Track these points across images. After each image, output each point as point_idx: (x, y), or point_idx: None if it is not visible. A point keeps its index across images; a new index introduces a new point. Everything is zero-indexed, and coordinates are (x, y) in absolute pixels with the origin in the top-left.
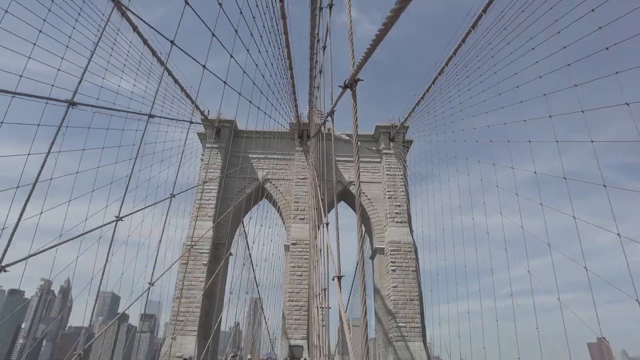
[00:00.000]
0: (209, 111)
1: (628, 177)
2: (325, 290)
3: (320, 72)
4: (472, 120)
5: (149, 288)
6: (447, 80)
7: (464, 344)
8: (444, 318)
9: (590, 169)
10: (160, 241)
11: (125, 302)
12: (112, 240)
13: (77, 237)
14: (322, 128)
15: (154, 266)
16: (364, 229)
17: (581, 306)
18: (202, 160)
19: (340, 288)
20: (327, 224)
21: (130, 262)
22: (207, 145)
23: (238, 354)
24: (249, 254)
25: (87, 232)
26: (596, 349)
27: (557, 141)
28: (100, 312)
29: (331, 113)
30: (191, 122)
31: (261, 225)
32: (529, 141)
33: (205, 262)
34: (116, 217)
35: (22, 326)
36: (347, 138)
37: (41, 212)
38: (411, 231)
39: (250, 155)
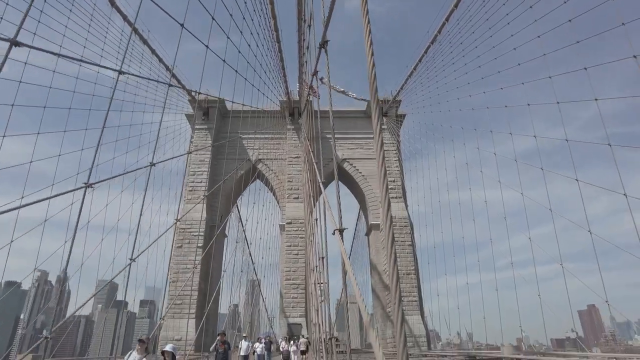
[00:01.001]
0: (196, 92)
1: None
2: (323, 259)
3: (307, 48)
4: (467, 88)
5: (129, 264)
6: (440, 49)
7: (462, 316)
8: (441, 292)
9: (588, 140)
10: (141, 214)
11: (123, 288)
12: (80, 209)
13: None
14: (313, 105)
15: (135, 241)
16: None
17: (574, 275)
18: (191, 142)
19: (343, 241)
20: (316, 220)
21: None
22: (195, 126)
23: (224, 333)
24: (244, 235)
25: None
26: (586, 315)
27: (557, 102)
28: (99, 300)
29: (314, 73)
30: (170, 85)
31: (254, 203)
32: (528, 104)
33: (200, 245)
34: (85, 183)
35: (21, 317)
36: (342, 89)
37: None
38: (406, 206)
39: (241, 136)
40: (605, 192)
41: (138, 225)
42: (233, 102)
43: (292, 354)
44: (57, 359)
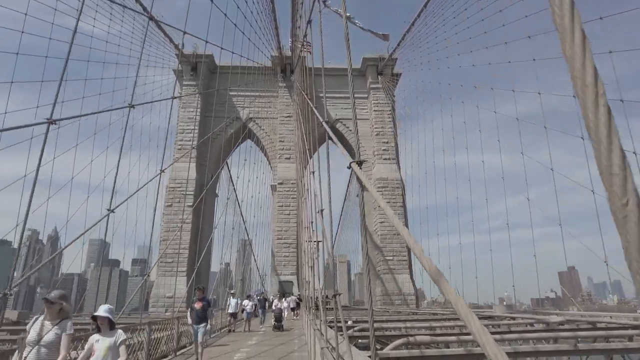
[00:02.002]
0: (183, 44)
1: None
2: (312, 223)
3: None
4: (468, 44)
5: (107, 215)
6: (440, 2)
7: (449, 277)
8: (430, 252)
9: (574, 110)
10: (119, 161)
11: (116, 248)
12: (43, 146)
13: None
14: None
15: (113, 190)
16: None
17: (553, 239)
18: (179, 99)
19: (330, 222)
20: (312, 173)
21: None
22: (183, 82)
23: (202, 287)
24: (235, 194)
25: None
26: (566, 276)
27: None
28: (91, 259)
29: (308, 22)
30: (150, 18)
31: (245, 160)
32: (534, 59)
33: (190, 204)
34: (47, 119)
35: (14, 275)
36: (349, 14)
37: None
38: (399, 168)
39: (230, 93)
40: (588, 160)
41: (116, 175)
42: (222, 48)
43: (283, 310)
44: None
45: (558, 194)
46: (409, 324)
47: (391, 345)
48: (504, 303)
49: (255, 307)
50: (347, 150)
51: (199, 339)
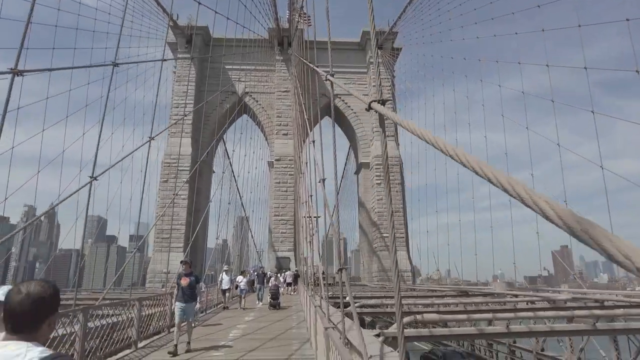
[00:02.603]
0: (177, 15)
1: (606, 94)
2: (311, 197)
3: None
4: (472, 16)
5: (90, 182)
6: None
7: (443, 255)
8: (424, 231)
9: (578, 87)
10: (102, 120)
11: (112, 223)
12: (7, 98)
13: None
14: (303, 34)
15: (95, 157)
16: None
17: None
18: (174, 72)
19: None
20: (313, 142)
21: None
22: (178, 56)
23: (188, 261)
24: (231, 169)
25: None
26: (558, 255)
27: (579, 25)
28: (89, 235)
29: None
30: None
31: (241, 134)
32: (542, 30)
33: (186, 180)
34: (11, 69)
35: (12, 250)
36: None
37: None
38: (397, 145)
39: (227, 67)
40: (589, 139)
41: (98, 141)
42: (216, 12)
43: (280, 287)
44: None
45: (556, 174)
46: (410, 301)
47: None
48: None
49: (253, 283)
50: (344, 131)
51: (188, 318)
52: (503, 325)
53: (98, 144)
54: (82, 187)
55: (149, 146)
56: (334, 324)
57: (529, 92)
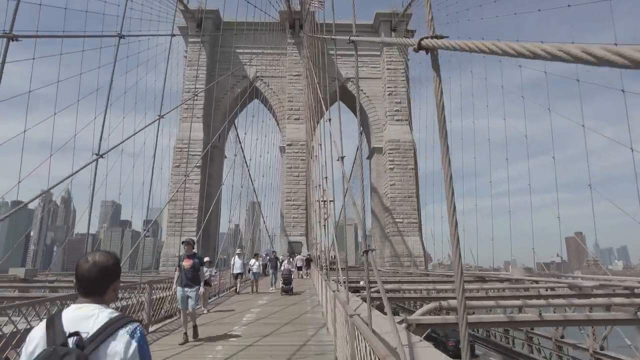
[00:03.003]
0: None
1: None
2: (326, 179)
3: None
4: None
5: (96, 160)
6: None
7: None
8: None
9: (599, 70)
10: (109, 98)
11: (127, 209)
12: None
13: None
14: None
15: (101, 133)
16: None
17: (563, 205)
18: (185, 57)
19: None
20: (329, 120)
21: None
22: (189, 40)
23: (191, 241)
24: (243, 155)
25: None
26: (572, 242)
27: None
28: (104, 220)
29: None
30: None
31: (253, 117)
32: (569, 5)
33: (198, 164)
34: (5, 32)
35: (31, 234)
36: None
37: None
38: (411, 129)
39: (237, 51)
40: (609, 124)
41: (104, 118)
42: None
43: (292, 272)
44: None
45: (577, 158)
46: (426, 286)
47: (421, 311)
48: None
49: (266, 267)
50: (355, 116)
51: (189, 306)
52: (535, 313)
53: (104, 120)
54: (88, 164)
55: (159, 124)
56: (354, 311)
57: (550, 73)
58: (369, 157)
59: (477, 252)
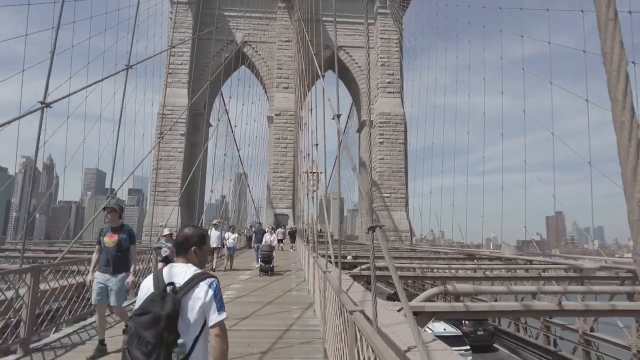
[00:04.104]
0: None
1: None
2: (316, 145)
3: None
4: None
5: (41, 108)
6: None
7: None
8: (425, 192)
9: (580, 52)
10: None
11: (110, 176)
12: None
13: None
14: None
15: (48, 78)
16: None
17: (544, 183)
18: (170, 18)
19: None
20: (322, 76)
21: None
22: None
23: (117, 207)
24: (229, 124)
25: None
26: (552, 221)
27: (582, 10)
28: (88, 187)
29: None
30: None
31: (239, 79)
32: (547, 10)
33: (182, 132)
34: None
35: (12, 201)
36: None
37: None
38: (402, 103)
39: (225, 14)
40: (594, 106)
41: (52, 54)
42: None
43: (274, 247)
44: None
45: (550, 142)
46: (424, 264)
47: (423, 296)
48: (492, 244)
49: (251, 239)
50: (347, 86)
51: (112, 302)
52: (552, 301)
53: (50, 65)
54: (30, 112)
55: (127, 75)
56: (353, 301)
57: (533, 56)
58: (359, 130)
59: (466, 227)
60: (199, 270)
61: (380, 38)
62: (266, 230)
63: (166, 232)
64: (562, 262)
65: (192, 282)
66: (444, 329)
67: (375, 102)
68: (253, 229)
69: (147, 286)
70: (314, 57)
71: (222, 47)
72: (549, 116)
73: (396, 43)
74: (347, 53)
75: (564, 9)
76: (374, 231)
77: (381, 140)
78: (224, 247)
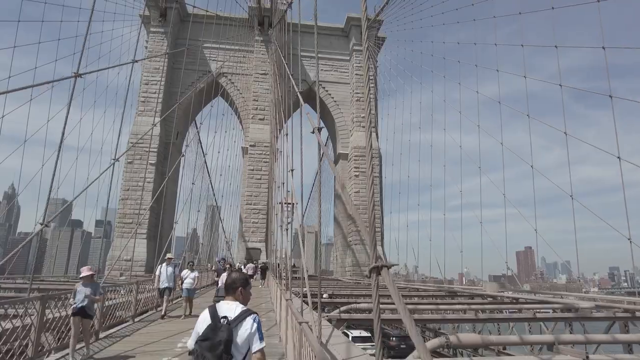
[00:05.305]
0: None
1: (575, 102)
2: (292, 171)
3: None
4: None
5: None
6: None
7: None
8: (397, 226)
9: (550, 92)
10: (64, 127)
11: (79, 208)
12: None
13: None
14: (286, 16)
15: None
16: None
17: (512, 220)
18: (145, 47)
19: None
20: (286, 135)
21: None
22: (150, 29)
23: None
24: (203, 155)
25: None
26: (522, 255)
27: (555, 46)
28: (50, 217)
29: None
30: None
31: (211, 106)
32: (522, 45)
33: (153, 162)
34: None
35: None
36: None
37: None
38: (377, 137)
39: (202, 45)
40: (559, 145)
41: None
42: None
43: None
44: None
45: (519, 179)
46: (409, 305)
47: (430, 346)
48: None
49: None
50: (323, 120)
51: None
52: (578, 355)
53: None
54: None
55: (75, 81)
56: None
57: (507, 94)
58: (335, 163)
59: (444, 264)
60: (245, 307)
61: (356, 74)
62: (234, 266)
63: (85, 272)
64: (553, 300)
65: (241, 317)
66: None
67: (351, 136)
68: (220, 263)
69: (204, 318)
70: (294, 85)
71: (197, 77)
72: (519, 153)
73: (371, 78)
74: (324, 88)
75: (512, 72)
76: (379, 274)
77: (356, 173)
78: (177, 288)
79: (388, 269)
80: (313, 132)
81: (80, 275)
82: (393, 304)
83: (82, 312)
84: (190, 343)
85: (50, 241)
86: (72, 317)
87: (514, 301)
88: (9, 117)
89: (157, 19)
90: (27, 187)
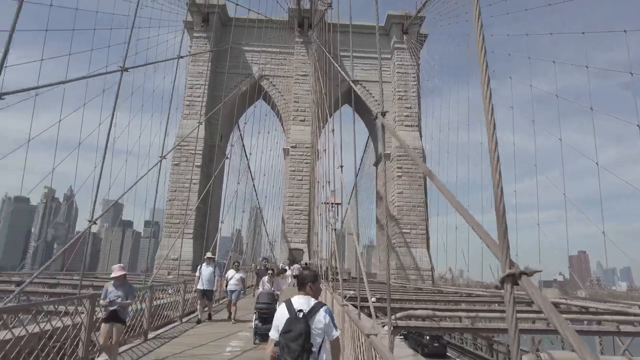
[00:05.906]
0: None
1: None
2: (341, 167)
3: None
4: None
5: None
6: None
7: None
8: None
9: (600, 88)
10: (111, 126)
11: (129, 209)
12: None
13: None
14: (325, 16)
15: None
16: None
17: (563, 223)
18: (189, 52)
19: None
20: (332, 131)
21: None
22: (194, 34)
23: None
24: (247, 159)
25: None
26: (575, 260)
27: (624, 30)
28: (106, 219)
29: None
30: None
31: (254, 107)
32: (583, 33)
33: (198, 164)
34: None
35: (32, 230)
36: None
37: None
38: (421, 136)
39: (243, 48)
40: (614, 142)
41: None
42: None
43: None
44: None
45: (574, 177)
46: (471, 313)
47: None
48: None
49: (257, 281)
50: (364, 120)
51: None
52: None
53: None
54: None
55: (121, 75)
56: None
57: (556, 92)
58: (376, 164)
59: (497, 269)
60: (317, 300)
61: (397, 72)
62: (277, 268)
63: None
64: (631, 312)
65: (315, 309)
66: None
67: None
68: (260, 267)
69: (282, 312)
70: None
71: (239, 80)
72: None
73: (413, 77)
74: (364, 87)
75: (572, 63)
76: (516, 284)
77: (399, 173)
78: (219, 290)
79: (528, 276)
80: (376, 118)
81: (111, 276)
82: (451, 310)
83: (114, 316)
84: (274, 334)
85: (104, 240)
86: (102, 324)
87: (584, 310)
88: (66, 125)
89: (199, 24)
90: (83, 189)
